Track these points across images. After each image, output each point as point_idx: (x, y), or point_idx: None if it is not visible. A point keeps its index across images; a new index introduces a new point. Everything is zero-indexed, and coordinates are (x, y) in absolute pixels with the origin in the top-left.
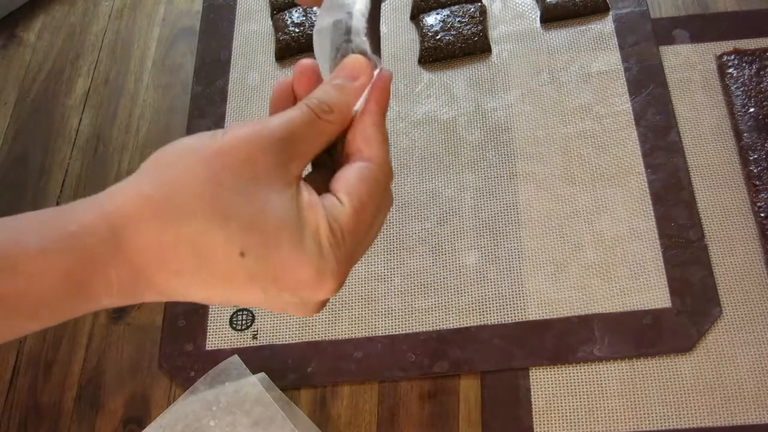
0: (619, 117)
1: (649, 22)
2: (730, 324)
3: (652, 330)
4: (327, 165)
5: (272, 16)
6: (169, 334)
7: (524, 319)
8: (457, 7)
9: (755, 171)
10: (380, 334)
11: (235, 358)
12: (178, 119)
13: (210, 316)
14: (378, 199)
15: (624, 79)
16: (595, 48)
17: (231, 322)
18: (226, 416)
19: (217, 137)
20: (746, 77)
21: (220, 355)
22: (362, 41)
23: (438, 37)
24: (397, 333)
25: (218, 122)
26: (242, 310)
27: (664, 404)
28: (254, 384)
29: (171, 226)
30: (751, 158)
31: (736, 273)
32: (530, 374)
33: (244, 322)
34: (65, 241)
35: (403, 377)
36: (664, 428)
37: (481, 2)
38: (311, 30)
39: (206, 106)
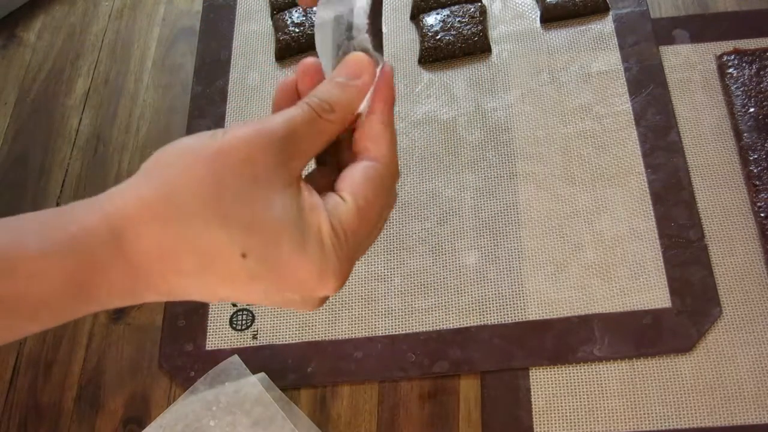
0: (619, 117)
1: (649, 22)
2: (730, 324)
3: (652, 330)
4: (331, 162)
5: (272, 16)
6: (169, 334)
7: (524, 319)
8: (457, 7)
9: (755, 171)
10: (380, 334)
11: (235, 358)
12: (178, 119)
13: (210, 316)
14: (383, 199)
15: (624, 79)
16: (595, 48)
17: (231, 322)
18: (226, 416)
19: (217, 137)
20: (746, 77)
21: (220, 355)
22: (364, 38)
23: (438, 37)
24: (397, 333)
25: (218, 122)
26: (242, 310)
27: (664, 404)
28: (254, 384)
29: (172, 229)
30: (751, 158)
31: (736, 273)
32: (530, 374)
33: (244, 322)
34: (66, 243)
35: (403, 377)
36: (664, 428)
37: (481, 2)
38: (311, 30)
39: (206, 106)
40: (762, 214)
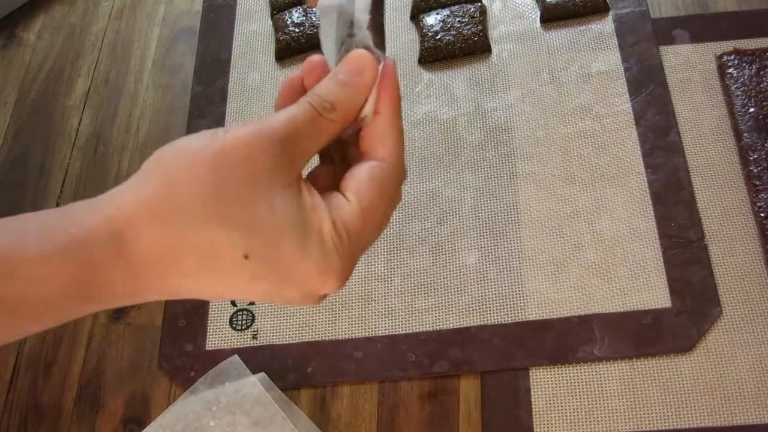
0: (619, 117)
1: (649, 22)
2: (730, 324)
3: (652, 330)
4: (335, 159)
5: (272, 16)
6: (169, 334)
7: (524, 319)
8: (457, 7)
9: (755, 171)
10: (380, 334)
11: (235, 358)
12: (178, 119)
13: (210, 316)
14: (387, 200)
15: (624, 79)
16: (595, 48)
17: (231, 322)
18: (226, 416)
19: (218, 137)
20: (746, 77)
21: (220, 355)
22: (365, 35)
23: (438, 37)
24: (397, 333)
25: (218, 122)
26: (242, 310)
27: (664, 404)
28: (254, 384)
29: (172, 230)
30: (751, 158)
31: (736, 273)
32: (530, 374)
33: (244, 322)
34: (66, 244)
35: (403, 377)
36: (664, 428)
37: (481, 2)
38: (311, 30)
39: (206, 106)
40: (762, 214)
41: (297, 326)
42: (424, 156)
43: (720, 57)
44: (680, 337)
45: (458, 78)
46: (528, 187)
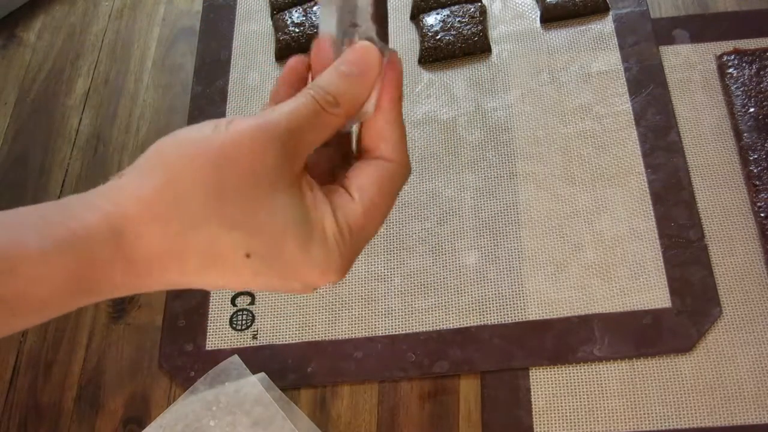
0: (619, 117)
1: (649, 22)
2: (730, 324)
3: (652, 330)
4: (330, 143)
5: (272, 16)
6: (169, 334)
7: (524, 319)
8: (457, 7)
9: (755, 171)
10: (380, 334)
11: (235, 358)
12: (178, 119)
13: (210, 316)
14: (391, 199)
15: (624, 79)
16: (595, 48)
17: (231, 322)
18: (226, 416)
19: (220, 130)
20: (746, 77)
21: (220, 355)
22: (369, 27)
23: (438, 37)
24: (397, 333)
25: None
26: (242, 310)
27: (664, 404)
28: (254, 384)
29: (173, 229)
30: (751, 158)
31: (736, 273)
32: (530, 374)
33: (244, 322)
34: (66, 241)
35: (403, 377)
36: (664, 428)
37: (481, 2)
38: (311, 30)
39: (206, 106)
40: (762, 214)
41: (297, 326)
42: (424, 156)
43: (720, 57)
44: (680, 337)
45: (458, 78)
46: (528, 187)
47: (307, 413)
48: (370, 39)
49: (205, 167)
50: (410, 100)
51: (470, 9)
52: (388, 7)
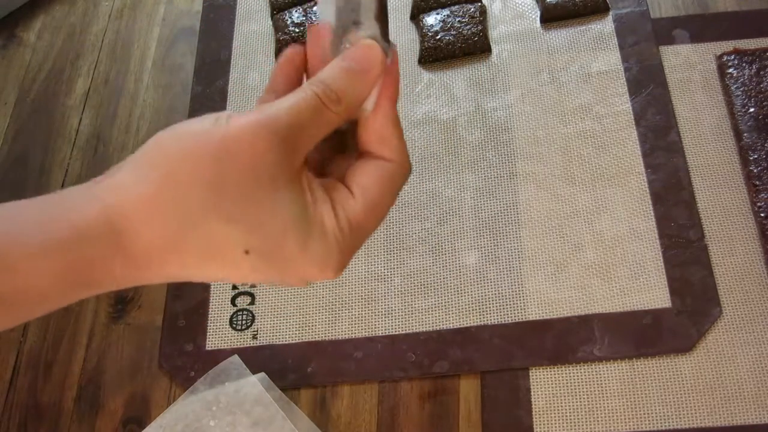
0: (619, 117)
1: (649, 22)
2: (730, 324)
3: (652, 330)
4: (328, 137)
5: (272, 16)
6: (169, 334)
7: (524, 319)
8: (457, 7)
9: (755, 171)
10: (380, 334)
11: (235, 358)
12: (178, 119)
13: (210, 316)
14: (391, 198)
15: (624, 79)
16: (595, 48)
17: (231, 322)
18: (226, 416)
19: (221, 124)
20: (746, 77)
21: (220, 355)
22: (373, 25)
23: (438, 37)
24: (397, 333)
25: None
26: (242, 310)
27: (664, 404)
28: (254, 384)
29: (172, 226)
30: (751, 158)
31: (736, 273)
32: (530, 374)
33: (244, 322)
34: (65, 237)
35: (403, 377)
36: (664, 428)
37: (481, 2)
38: None
39: (206, 106)
40: (762, 214)
41: (297, 326)
42: (424, 156)
43: (720, 57)
44: (680, 337)
45: (458, 78)
46: (528, 187)
47: (307, 413)
48: (373, 37)
49: (204, 162)
50: (410, 100)
51: (470, 9)
52: (388, 7)
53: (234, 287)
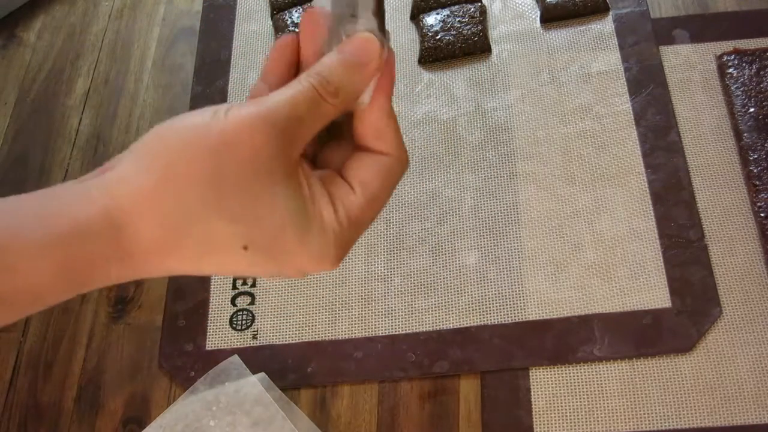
0: (619, 117)
1: (649, 22)
2: (730, 324)
3: (652, 330)
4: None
5: (272, 16)
6: (169, 334)
7: (524, 319)
8: (457, 7)
9: (755, 171)
10: (380, 334)
11: (235, 358)
12: None
13: (210, 316)
14: (389, 192)
15: (624, 79)
16: (595, 48)
17: (231, 322)
18: (226, 416)
19: (220, 116)
20: (746, 77)
21: (220, 355)
22: (370, 19)
23: (438, 37)
24: (397, 333)
25: None
26: (242, 310)
27: (664, 404)
28: (254, 384)
29: (171, 222)
30: (751, 158)
31: (736, 273)
32: (530, 374)
33: (244, 322)
34: (63, 235)
35: (403, 377)
36: (664, 428)
37: (481, 2)
38: None
39: (206, 106)
40: (762, 214)
41: (297, 326)
42: (424, 156)
43: (720, 57)
44: (680, 337)
45: (458, 78)
46: (528, 187)
47: (307, 413)
48: (371, 30)
49: (203, 156)
50: (410, 100)
51: (470, 9)
52: (388, 6)
53: (234, 287)
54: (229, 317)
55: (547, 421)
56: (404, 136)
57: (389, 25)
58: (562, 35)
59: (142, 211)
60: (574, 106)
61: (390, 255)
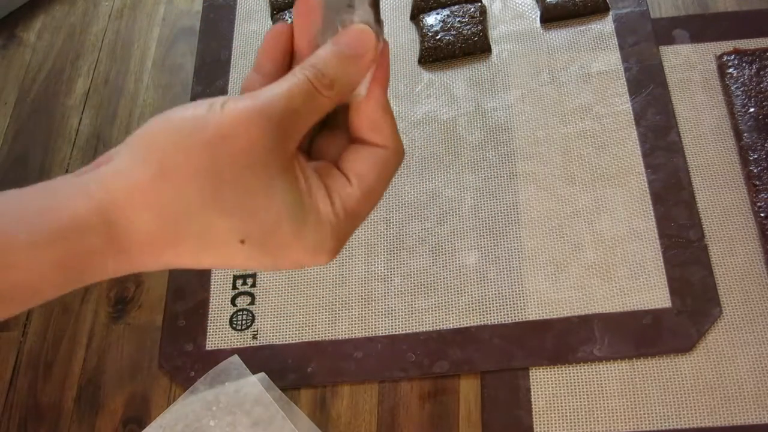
0: (619, 117)
1: (649, 22)
2: (730, 324)
3: (652, 330)
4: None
5: (272, 16)
6: (169, 334)
7: (524, 319)
8: (457, 7)
9: (755, 171)
10: (380, 334)
11: (235, 358)
12: None
13: (210, 316)
14: (386, 184)
15: (624, 79)
16: (595, 48)
17: (231, 322)
18: (226, 416)
19: (216, 110)
20: (746, 77)
21: (220, 355)
22: (366, 10)
23: (438, 37)
24: (397, 333)
25: None
26: (242, 310)
27: (664, 404)
28: (254, 384)
29: (167, 217)
30: (751, 158)
31: (736, 273)
32: (530, 374)
33: (244, 322)
34: (56, 232)
35: (403, 377)
36: (664, 428)
37: (481, 2)
38: None
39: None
40: (762, 214)
41: (297, 326)
42: (424, 156)
43: (720, 57)
44: (680, 337)
45: (458, 78)
46: (528, 187)
47: (307, 413)
48: (367, 22)
49: (199, 149)
50: (410, 100)
51: (470, 9)
52: (386, 10)
53: (234, 287)
54: (229, 317)
55: (547, 421)
56: (404, 136)
57: (389, 26)
58: (562, 35)
59: (137, 204)
60: (574, 106)
61: (390, 255)
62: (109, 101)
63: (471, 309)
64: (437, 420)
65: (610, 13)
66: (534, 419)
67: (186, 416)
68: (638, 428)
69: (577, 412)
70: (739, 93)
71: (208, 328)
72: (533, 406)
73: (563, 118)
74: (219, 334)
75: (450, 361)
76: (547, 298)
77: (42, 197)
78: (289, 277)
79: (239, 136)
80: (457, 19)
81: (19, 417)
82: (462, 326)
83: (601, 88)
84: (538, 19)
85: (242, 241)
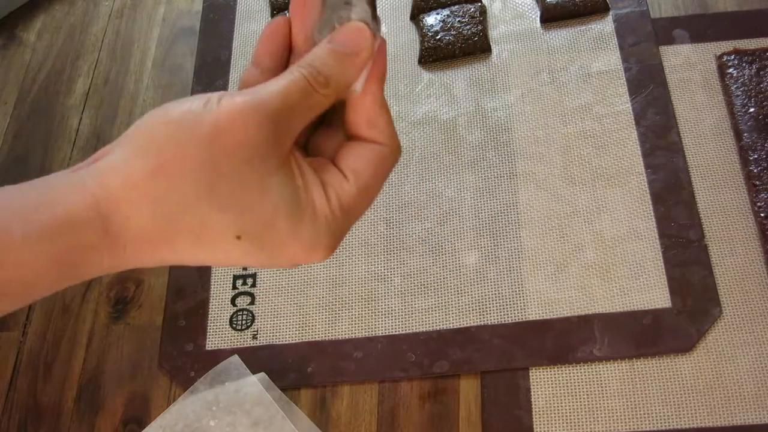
0: (619, 117)
1: (649, 22)
2: (730, 324)
3: (652, 330)
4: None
5: (272, 16)
6: (169, 334)
7: (524, 319)
8: (457, 7)
9: (755, 171)
10: (380, 334)
11: (235, 358)
12: None
13: (210, 316)
14: (383, 180)
15: (624, 79)
16: (595, 48)
17: (231, 322)
18: (226, 416)
19: (212, 106)
20: (746, 77)
21: (220, 355)
22: (364, 8)
23: (438, 37)
24: (397, 333)
25: None
26: (242, 310)
27: (664, 404)
28: (254, 384)
29: (163, 212)
30: (751, 158)
31: (736, 273)
32: (530, 374)
33: (244, 322)
34: (52, 227)
35: (403, 377)
36: (664, 428)
37: (481, 2)
38: None
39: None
40: (762, 214)
41: (297, 326)
42: (424, 156)
43: (720, 57)
44: (680, 337)
45: (458, 78)
46: (528, 187)
47: (307, 413)
48: (364, 20)
49: (196, 144)
50: (410, 100)
51: (470, 9)
52: (386, 10)
53: (234, 287)
54: (229, 317)
55: (547, 421)
56: (404, 136)
57: (389, 26)
58: (562, 35)
59: (133, 199)
60: (574, 106)
61: (390, 255)
62: (109, 101)
63: (471, 309)
64: (437, 420)
65: (610, 13)
66: (534, 419)
67: (186, 416)
68: (638, 428)
69: (577, 412)
70: (739, 93)
71: (208, 328)
72: (533, 406)
73: (563, 118)
74: (219, 334)
75: (450, 361)
76: (547, 298)
77: (38, 193)
78: (289, 277)
79: (236, 132)
80: (457, 19)
81: (19, 417)
82: (462, 326)
83: (601, 88)
84: (538, 19)
85: (238, 237)
